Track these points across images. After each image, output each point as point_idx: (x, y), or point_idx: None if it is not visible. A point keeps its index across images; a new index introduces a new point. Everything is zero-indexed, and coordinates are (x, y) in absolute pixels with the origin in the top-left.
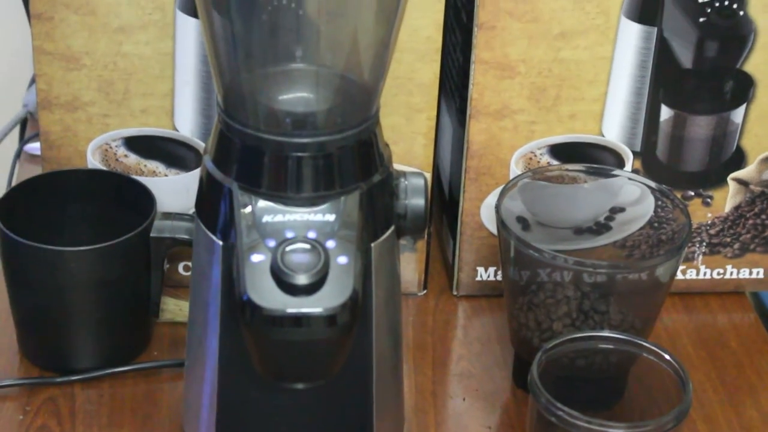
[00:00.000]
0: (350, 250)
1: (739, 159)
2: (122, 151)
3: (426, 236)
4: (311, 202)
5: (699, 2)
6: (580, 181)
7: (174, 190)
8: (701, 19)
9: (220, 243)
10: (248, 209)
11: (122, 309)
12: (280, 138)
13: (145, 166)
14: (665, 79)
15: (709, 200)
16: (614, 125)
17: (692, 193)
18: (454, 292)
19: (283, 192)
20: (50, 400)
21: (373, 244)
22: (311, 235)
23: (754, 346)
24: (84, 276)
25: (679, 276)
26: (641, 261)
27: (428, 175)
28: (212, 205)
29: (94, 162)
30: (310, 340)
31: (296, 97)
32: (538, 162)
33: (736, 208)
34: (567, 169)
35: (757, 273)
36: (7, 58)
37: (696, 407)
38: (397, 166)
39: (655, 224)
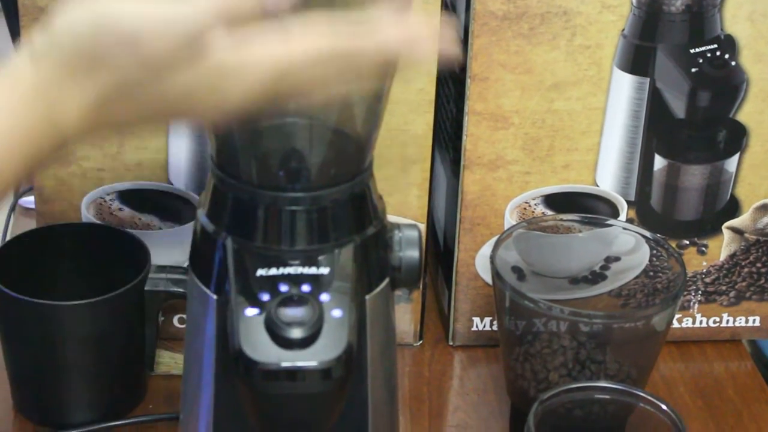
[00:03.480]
0: (344, 303)
1: (733, 208)
2: (117, 204)
3: (421, 287)
4: (305, 256)
5: (691, 53)
6: (574, 231)
7: (168, 243)
8: (693, 70)
9: (214, 297)
10: (242, 263)
11: (117, 362)
12: (274, 192)
13: (140, 219)
14: (658, 129)
15: (704, 249)
16: (608, 175)
17: (687, 242)
18: (450, 343)
19: (277, 245)
20: None
21: (367, 297)
22: (305, 288)
23: (751, 395)
24: (78, 330)
25: (675, 324)
26: (637, 310)
27: (423, 227)
28: (206, 258)
29: (88, 216)
30: (305, 394)
31: (289, 150)
32: (533, 212)
33: (732, 256)
34: (562, 219)
35: (754, 321)
36: None
37: None
38: (392, 218)
39: (651, 273)
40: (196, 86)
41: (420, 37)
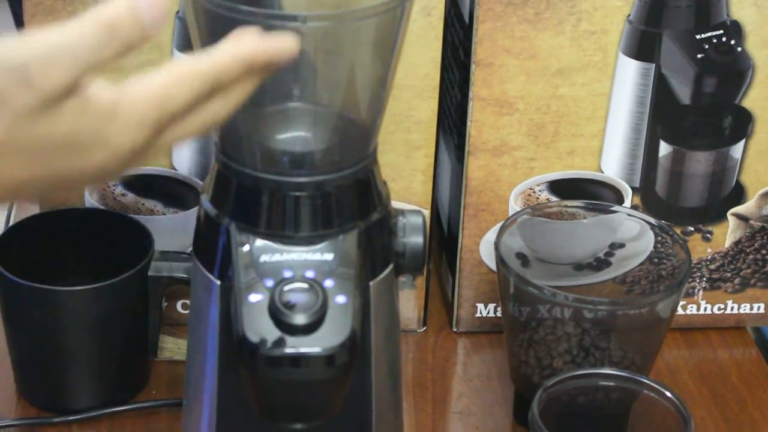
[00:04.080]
0: (348, 289)
1: (738, 194)
2: (120, 189)
3: (425, 273)
4: (309, 241)
5: (697, 38)
6: (579, 218)
7: (172, 229)
8: (699, 56)
9: (218, 282)
10: (246, 248)
11: (120, 348)
12: (278, 177)
13: (143, 204)
14: (663, 115)
15: (708, 236)
16: (613, 161)
17: (692, 229)
18: (454, 329)
19: (281, 231)
20: None
21: (371, 283)
22: (309, 274)
23: (755, 382)
24: (81, 315)
25: (680, 311)
26: (641, 297)
27: (427, 212)
28: (210, 244)
29: (91, 201)
30: (309, 380)
31: (293, 136)
32: (537, 198)
33: (736, 243)
34: (566, 206)
35: (758, 308)
36: None
37: None
38: (396, 204)
39: (655, 260)
40: (79, 128)
41: (278, 40)
